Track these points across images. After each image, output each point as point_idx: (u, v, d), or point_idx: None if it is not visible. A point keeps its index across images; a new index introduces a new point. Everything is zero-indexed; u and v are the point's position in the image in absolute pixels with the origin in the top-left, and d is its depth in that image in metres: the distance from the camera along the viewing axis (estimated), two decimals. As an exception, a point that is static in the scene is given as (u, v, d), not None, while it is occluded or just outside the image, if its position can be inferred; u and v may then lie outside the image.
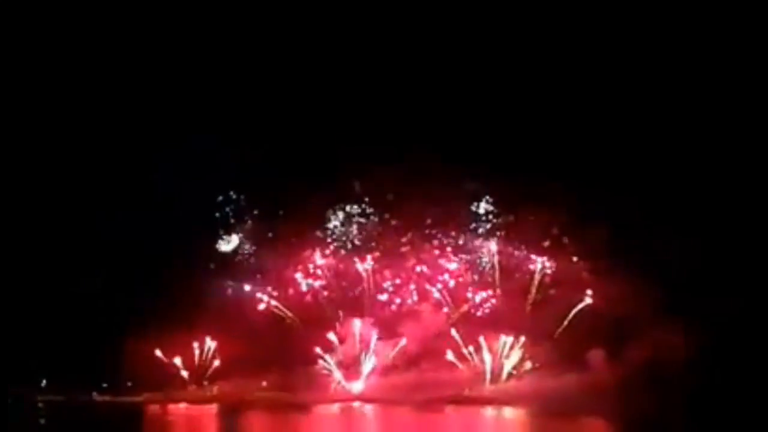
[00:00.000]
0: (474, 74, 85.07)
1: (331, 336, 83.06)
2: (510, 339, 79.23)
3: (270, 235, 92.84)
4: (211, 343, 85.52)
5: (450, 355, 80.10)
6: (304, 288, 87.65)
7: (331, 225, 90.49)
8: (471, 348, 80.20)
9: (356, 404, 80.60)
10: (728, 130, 78.31)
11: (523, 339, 79.29)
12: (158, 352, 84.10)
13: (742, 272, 74.87)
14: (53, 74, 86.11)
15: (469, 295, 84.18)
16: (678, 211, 77.52)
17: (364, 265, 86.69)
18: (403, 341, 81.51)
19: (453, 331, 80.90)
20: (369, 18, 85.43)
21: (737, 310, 72.41)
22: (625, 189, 79.04)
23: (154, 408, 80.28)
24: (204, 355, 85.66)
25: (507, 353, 79.48)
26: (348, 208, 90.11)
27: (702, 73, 78.95)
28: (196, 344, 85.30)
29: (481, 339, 79.97)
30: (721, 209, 76.30)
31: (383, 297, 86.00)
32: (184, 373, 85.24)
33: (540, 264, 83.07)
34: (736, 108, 78.28)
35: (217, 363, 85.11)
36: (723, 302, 72.40)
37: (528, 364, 79.75)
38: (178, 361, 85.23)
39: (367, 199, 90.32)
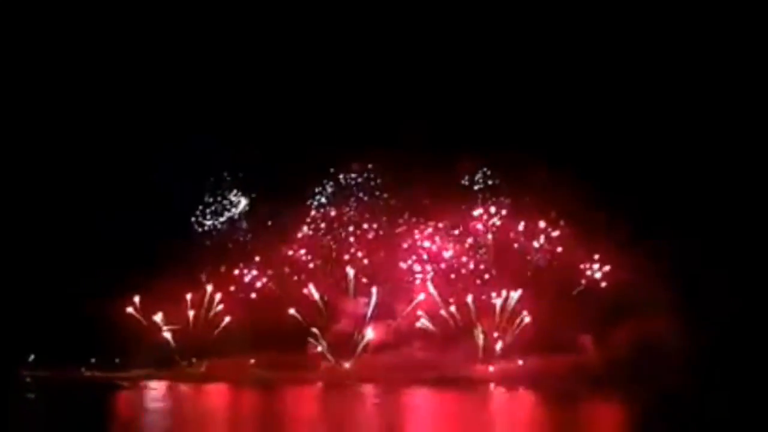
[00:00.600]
0: (479, 57, 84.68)
1: (314, 292, 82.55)
2: (515, 294, 78.60)
3: (265, 215, 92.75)
4: (203, 321, 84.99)
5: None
6: (298, 267, 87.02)
7: (324, 199, 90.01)
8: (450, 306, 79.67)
9: (348, 383, 79.43)
10: (731, 129, 77.93)
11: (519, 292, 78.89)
12: (135, 317, 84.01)
13: (742, 262, 73.99)
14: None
15: (464, 271, 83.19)
16: (679, 202, 76.77)
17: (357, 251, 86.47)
18: (422, 296, 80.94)
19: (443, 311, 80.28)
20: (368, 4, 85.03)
21: (734, 297, 71.46)
22: (626, 180, 78.53)
23: (137, 385, 79.21)
24: (198, 330, 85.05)
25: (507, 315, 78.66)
26: (342, 177, 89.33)
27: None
28: (191, 313, 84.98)
29: (469, 298, 79.73)
30: (722, 201, 75.73)
31: (378, 276, 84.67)
32: (174, 349, 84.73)
33: (537, 246, 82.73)
34: (738, 107, 77.84)
35: (209, 338, 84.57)
36: (720, 289, 71.51)
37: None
38: (168, 336, 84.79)
39: (370, 167, 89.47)
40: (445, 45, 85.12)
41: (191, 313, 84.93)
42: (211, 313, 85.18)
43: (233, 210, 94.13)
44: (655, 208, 76.94)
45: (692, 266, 72.47)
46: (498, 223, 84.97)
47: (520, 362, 76.67)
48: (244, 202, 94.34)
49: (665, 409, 51.37)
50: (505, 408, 64.18)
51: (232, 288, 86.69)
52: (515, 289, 79.21)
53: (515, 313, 78.38)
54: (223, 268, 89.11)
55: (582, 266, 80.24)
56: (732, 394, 58.69)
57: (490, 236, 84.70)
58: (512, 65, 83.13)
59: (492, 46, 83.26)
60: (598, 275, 79.66)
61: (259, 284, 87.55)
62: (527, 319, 77.79)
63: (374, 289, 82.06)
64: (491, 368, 77.88)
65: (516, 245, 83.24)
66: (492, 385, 74.80)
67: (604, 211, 76.51)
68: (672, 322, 69.59)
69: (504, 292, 79.31)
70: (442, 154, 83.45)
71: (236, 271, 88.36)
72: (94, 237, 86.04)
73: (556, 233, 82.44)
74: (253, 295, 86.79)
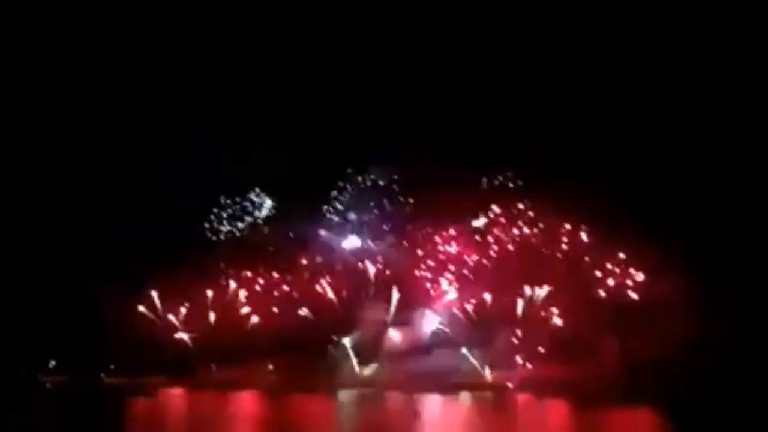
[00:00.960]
0: (501, 62, 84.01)
1: (334, 298, 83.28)
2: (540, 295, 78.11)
3: (285, 220, 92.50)
4: (222, 326, 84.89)
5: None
6: (318, 273, 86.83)
7: (344, 205, 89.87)
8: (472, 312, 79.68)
9: (361, 390, 78.95)
10: (738, 122, 76.42)
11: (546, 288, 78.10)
12: (156, 322, 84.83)
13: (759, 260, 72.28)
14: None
15: (484, 276, 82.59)
16: (701, 207, 75.22)
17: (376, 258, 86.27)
18: (445, 300, 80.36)
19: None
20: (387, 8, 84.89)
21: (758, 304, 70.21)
22: (648, 183, 77.39)
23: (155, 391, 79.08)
24: (217, 336, 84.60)
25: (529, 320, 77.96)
26: (361, 180, 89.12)
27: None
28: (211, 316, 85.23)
29: (487, 296, 78.96)
30: (746, 208, 74.04)
31: (399, 282, 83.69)
32: (194, 355, 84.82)
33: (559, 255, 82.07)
34: (739, 104, 76.38)
35: (229, 343, 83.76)
36: (746, 296, 70.16)
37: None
38: (187, 340, 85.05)
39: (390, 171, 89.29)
40: (467, 49, 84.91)
41: (212, 316, 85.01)
42: (235, 315, 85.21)
43: (256, 213, 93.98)
44: (678, 212, 75.73)
45: (716, 273, 71.56)
46: (520, 226, 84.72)
47: (545, 371, 75.55)
48: (268, 203, 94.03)
49: (688, 416, 51.00)
50: (532, 416, 63.88)
51: (244, 298, 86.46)
52: (537, 295, 78.63)
53: (538, 318, 77.65)
54: (243, 273, 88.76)
55: (603, 272, 79.20)
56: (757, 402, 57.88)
57: (510, 247, 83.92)
58: (533, 70, 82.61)
59: (513, 51, 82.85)
60: (616, 281, 78.50)
61: (277, 291, 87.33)
62: (555, 321, 77.03)
63: (395, 294, 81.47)
64: (513, 374, 77.14)
65: (537, 250, 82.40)
66: (513, 392, 74.06)
67: (626, 216, 75.81)
68: (695, 329, 68.58)
69: (528, 291, 78.62)
70: (462, 159, 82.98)
71: (250, 274, 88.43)
72: (114, 242, 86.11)
73: (578, 238, 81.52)
74: (273, 302, 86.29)
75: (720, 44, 76.59)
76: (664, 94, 78.84)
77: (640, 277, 77.04)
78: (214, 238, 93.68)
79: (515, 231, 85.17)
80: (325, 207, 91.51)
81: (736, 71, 76.60)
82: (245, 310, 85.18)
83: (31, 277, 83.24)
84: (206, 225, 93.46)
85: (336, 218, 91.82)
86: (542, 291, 78.69)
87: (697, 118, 77.22)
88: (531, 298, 78.63)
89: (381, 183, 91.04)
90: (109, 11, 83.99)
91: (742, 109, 76.42)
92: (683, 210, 75.36)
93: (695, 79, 77.88)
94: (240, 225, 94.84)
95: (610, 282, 78.14)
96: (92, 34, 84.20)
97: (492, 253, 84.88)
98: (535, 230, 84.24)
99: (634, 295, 76.30)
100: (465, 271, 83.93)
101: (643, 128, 78.81)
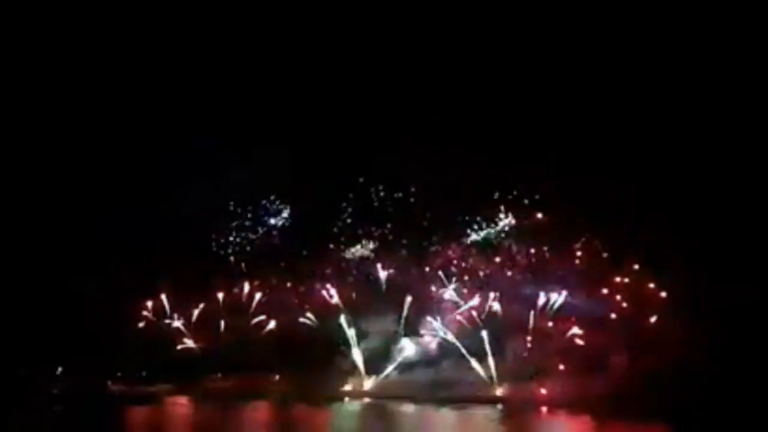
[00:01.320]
0: (511, 74, 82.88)
1: (351, 333, 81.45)
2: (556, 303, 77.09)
3: (297, 232, 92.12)
4: (228, 335, 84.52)
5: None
6: (329, 285, 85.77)
7: (354, 218, 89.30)
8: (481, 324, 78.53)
9: (368, 400, 78.39)
10: (738, 124, 75.05)
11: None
12: (163, 329, 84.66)
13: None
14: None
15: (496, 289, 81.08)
16: (712, 223, 73.50)
17: (387, 269, 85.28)
18: (464, 304, 79.46)
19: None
20: (401, 13, 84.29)
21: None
22: (656, 197, 76.13)
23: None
24: (224, 345, 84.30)
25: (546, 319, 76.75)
26: (372, 192, 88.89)
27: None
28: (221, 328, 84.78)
29: (498, 308, 78.09)
30: (732, 205, 72.63)
31: (409, 294, 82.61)
32: (201, 364, 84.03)
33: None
34: (739, 105, 75.04)
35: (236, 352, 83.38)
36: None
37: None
38: (193, 347, 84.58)
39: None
40: (476, 60, 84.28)
41: (220, 324, 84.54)
42: (242, 324, 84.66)
43: (271, 221, 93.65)
44: (688, 227, 74.55)
45: (717, 275, 70.07)
46: (533, 239, 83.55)
47: (556, 386, 74.18)
48: (284, 213, 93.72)
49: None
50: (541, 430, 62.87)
51: (253, 306, 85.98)
52: (550, 308, 77.45)
53: (549, 332, 76.40)
54: (253, 282, 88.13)
55: (614, 286, 77.74)
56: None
57: (523, 260, 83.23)
58: (543, 83, 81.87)
59: (523, 62, 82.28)
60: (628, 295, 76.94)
61: (285, 300, 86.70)
62: (567, 335, 75.60)
63: (406, 305, 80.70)
64: (523, 387, 75.81)
65: (550, 263, 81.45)
66: (523, 405, 72.78)
67: (637, 229, 75.25)
68: (704, 343, 67.13)
69: (540, 304, 77.48)
70: (473, 170, 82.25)
71: (258, 283, 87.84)
72: (122, 247, 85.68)
73: (592, 251, 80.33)
74: (281, 311, 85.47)
75: (720, 46, 75.67)
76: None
77: (651, 287, 75.23)
78: (222, 252, 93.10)
79: (528, 244, 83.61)
80: (336, 218, 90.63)
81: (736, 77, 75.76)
82: (256, 319, 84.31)
83: (37, 280, 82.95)
84: (214, 236, 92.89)
85: (347, 229, 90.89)
86: (556, 303, 77.38)
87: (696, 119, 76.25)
88: (543, 311, 77.37)
89: (393, 194, 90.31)
90: (110, 12, 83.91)
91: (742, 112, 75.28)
92: (684, 212, 74.01)
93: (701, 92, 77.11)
94: (252, 236, 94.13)
95: (622, 295, 76.58)
96: (95, 34, 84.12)
97: (504, 265, 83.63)
98: (548, 245, 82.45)
99: (652, 318, 74.33)
100: (477, 283, 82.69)
101: (649, 134, 77.76)
